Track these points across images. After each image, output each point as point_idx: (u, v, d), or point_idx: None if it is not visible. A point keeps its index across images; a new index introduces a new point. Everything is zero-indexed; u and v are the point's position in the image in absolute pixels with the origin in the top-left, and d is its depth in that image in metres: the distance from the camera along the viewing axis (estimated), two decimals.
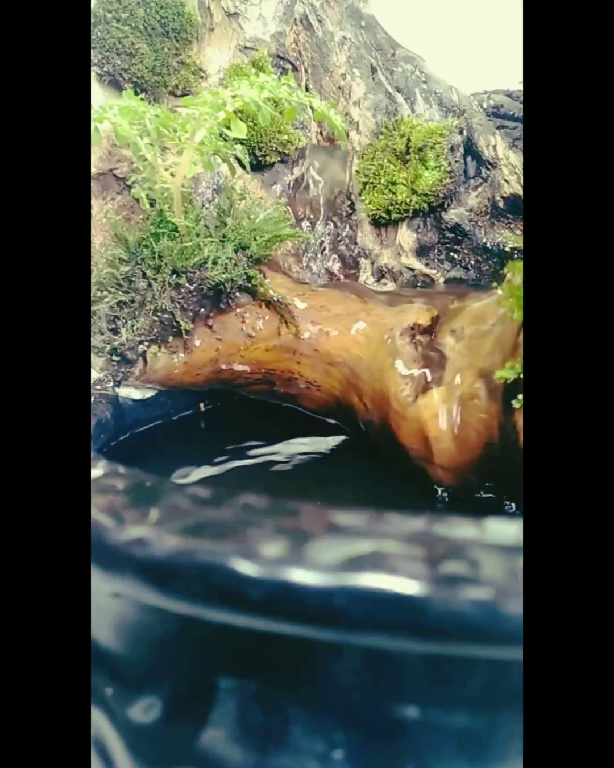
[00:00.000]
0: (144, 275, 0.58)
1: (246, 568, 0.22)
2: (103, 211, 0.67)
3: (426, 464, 0.50)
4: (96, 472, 0.33)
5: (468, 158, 0.68)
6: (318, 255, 0.73)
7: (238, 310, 0.59)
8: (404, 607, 0.21)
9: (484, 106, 0.70)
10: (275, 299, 0.58)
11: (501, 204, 0.64)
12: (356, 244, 0.74)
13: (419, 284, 0.69)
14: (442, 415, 0.48)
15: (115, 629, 0.31)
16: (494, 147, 0.65)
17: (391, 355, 0.52)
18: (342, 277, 0.72)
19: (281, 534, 0.24)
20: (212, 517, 0.26)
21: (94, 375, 0.60)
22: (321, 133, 0.79)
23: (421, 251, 0.71)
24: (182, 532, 0.25)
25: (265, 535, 0.24)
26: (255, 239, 0.60)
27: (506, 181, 0.63)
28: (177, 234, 0.56)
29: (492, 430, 0.47)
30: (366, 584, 0.21)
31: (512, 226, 0.64)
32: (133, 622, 0.29)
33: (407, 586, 0.21)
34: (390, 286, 0.71)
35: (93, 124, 0.58)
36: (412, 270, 0.70)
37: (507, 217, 0.64)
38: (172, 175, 0.57)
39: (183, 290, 0.57)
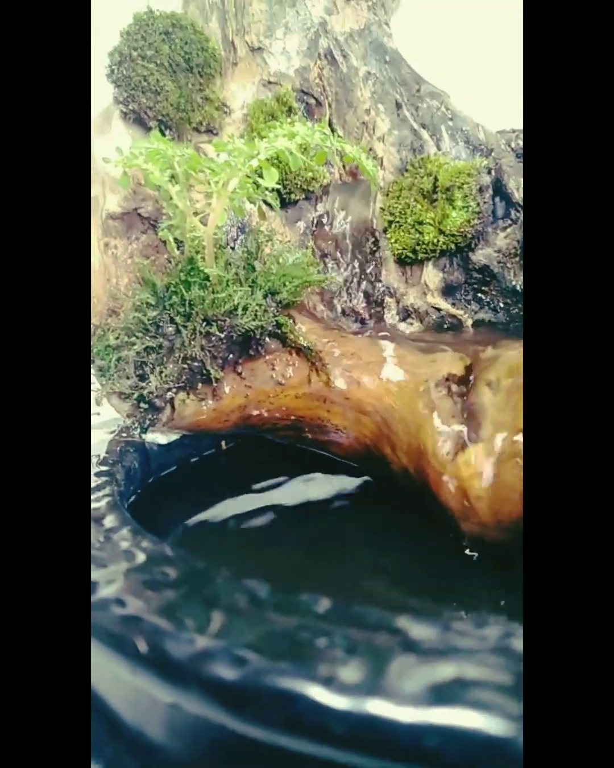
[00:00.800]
0: (172, 321, 0.58)
1: (326, 697, 0.21)
2: (127, 251, 0.66)
3: (466, 522, 0.49)
4: (141, 556, 0.33)
5: (497, 199, 0.67)
6: (344, 293, 0.72)
7: (268, 357, 0.58)
8: (496, 750, 0.20)
9: (512, 145, 0.69)
10: (305, 346, 0.58)
11: None
12: (381, 281, 0.73)
13: (446, 325, 0.68)
14: (482, 473, 0.47)
15: (166, 727, 0.30)
16: (524, 189, 0.64)
17: (428, 408, 0.51)
18: (367, 315, 0.71)
19: (355, 654, 0.23)
20: (277, 625, 0.25)
21: (123, 421, 0.59)
22: (344, 166, 0.79)
23: (448, 291, 0.70)
24: (250, 646, 0.24)
25: (338, 655, 0.23)
26: (284, 284, 0.59)
27: None
28: (208, 283, 0.55)
29: None
30: (455, 723, 0.20)
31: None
32: (188, 723, 0.28)
33: (498, 726, 0.20)
34: (416, 325, 0.70)
35: (122, 169, 0.57)
36: (439, 310, 0.69)
37: None
38: (202, 220, 0.56)
39: (213, 338, 0.56)
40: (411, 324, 0.70)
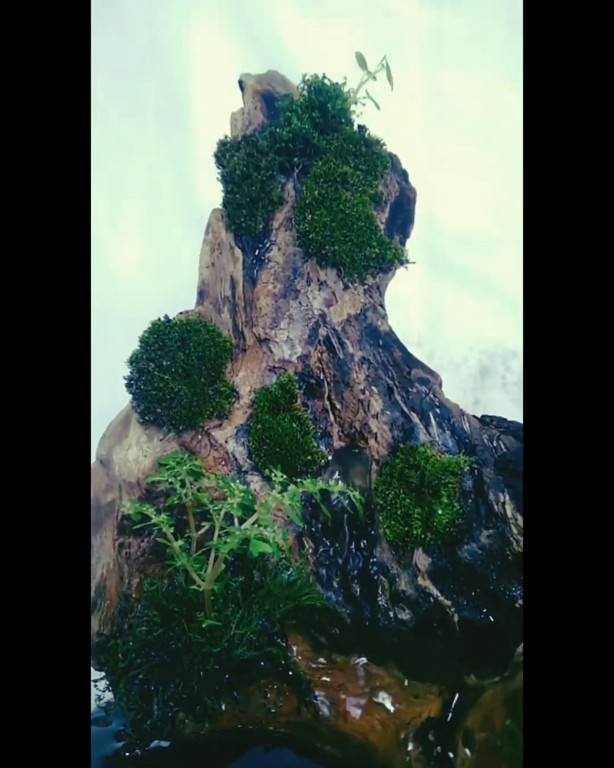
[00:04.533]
0: (176, 641, 0.63)
1: None
2: (140, 549, 0.73)
3: None
4: None
5: (481, 500, 0.72)
6: (339, 571, 0.77)
7: (262, 681, 0.63)
8: None
9: (494, 443, 0.75)
10: (292, 675, 0.62)
11: (510, 557, 0.68)
12: (375, 558, 0.78)
13: (436, 619, 0.72)
14: None
15: None
16: (503, 504, 0.69)
17: (404, 763, 0.55)
18: (361, 598, 0.76)
19: None
20: None
21: (128, 730, 0.64)
22: (342, 431, 0.85)
23: (437, 576, 0.74)
24: None
25: None
26: (278, 607, 0.64)
27: (515, 540, 0.67)
28: (206, 627, 0.60)
29: None
30: None
31: (522, 579, 0.68)
32: None
33: None
34: (406, 612, 0.74)
35: (138, 507, 0.64)
36: (428, 595, 0.74)
37: (517, 569, 0.68)
38: (202, 575, 0.62)
39: (211, 670, 0.61)
40: (403, 608, 0.75)
